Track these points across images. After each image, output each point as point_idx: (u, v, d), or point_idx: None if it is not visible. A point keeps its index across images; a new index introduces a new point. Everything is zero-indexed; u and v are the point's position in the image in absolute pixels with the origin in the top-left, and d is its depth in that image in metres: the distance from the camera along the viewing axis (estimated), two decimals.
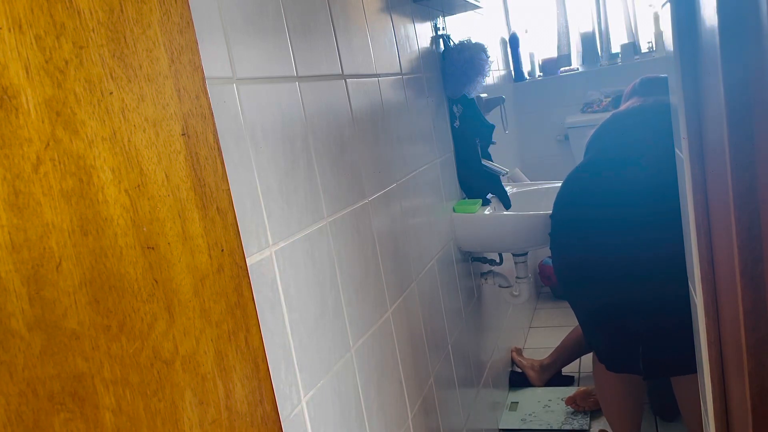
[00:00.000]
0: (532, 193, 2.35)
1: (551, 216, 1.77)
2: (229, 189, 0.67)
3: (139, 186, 0.54)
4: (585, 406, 2.18)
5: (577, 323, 2.42)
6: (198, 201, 0.61)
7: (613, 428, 1.87)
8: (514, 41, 3.35)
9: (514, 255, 2.17)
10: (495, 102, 2.29)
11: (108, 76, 0.52)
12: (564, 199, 1.74)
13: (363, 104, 1.28)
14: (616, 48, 3.31)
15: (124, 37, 0.54)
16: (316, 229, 1.01)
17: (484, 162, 2.06)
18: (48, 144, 0.45)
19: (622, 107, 1.87)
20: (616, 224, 1.58)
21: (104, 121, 0.51)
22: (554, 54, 3.43)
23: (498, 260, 2.15)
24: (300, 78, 1.02)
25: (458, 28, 2.22)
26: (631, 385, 1.78)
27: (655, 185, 1.48)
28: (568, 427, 2.13)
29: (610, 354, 1.73)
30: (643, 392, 1.83)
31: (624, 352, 1.67)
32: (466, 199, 2.03)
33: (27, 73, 0.44)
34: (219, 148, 0.66)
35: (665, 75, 1.93)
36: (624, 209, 1.57)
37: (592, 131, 1.85)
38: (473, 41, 1.93)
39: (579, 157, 2.47)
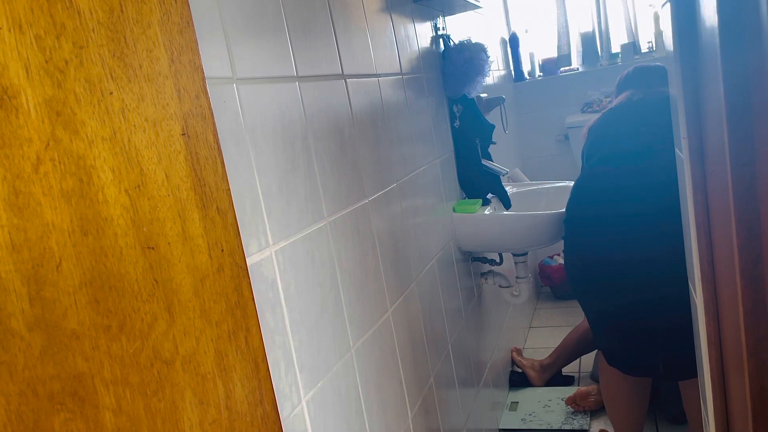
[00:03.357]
0: (532, 193, 2.35)
1: (564, 221, 1.77)
2: (229, 189, 0.67)
3: (139, 186, 0.54)
4: (585, 406, 2.18)
5: (576, 323, 2.42)
6: (198, 201, 0.61)
7: (616, 429, 1.87)
8: (514, 41, 3.35)
9: (514, 255, 2.17)
10: (495, 102, 2.29)
11: (108, 76, 0.52)
12: (577, 200, 1.74)
13: (363, 104, 1.28)
14: (616, 48, 3.31)
15: (124, 37, 0.54)
16: (316, 229, 1.01)
17: (484, 162, 2.06)
18: (48, 144, 0.45)
19: (618, 100, 1.85)
20: (631, 220, 1.57)
21: (104, 121, 0.51)
22: (554, 54, 3.43)
23: (498, 260, 2.15)
24: (300, 78, 1.02)
25: (458, 28, 2.22)
26: (637, 386, 1.77)
27: (667, 179, 1.47)
28: (568, 427, 2.13)
29: (625, 356, 1.70)
30: (648, 394, 1.82)
31: (640, 355, 1.64)
32: (466, 199, 2.03)
33: (27, 73, 0.44)
34: (219, 148, 0.66)
35: (659, 63, 1.91)
36: (639, 205, 1.56)
37: (590, 124, 1.84)
38: (473, 41, 1.93)
39: (579, 156, 2.46)
